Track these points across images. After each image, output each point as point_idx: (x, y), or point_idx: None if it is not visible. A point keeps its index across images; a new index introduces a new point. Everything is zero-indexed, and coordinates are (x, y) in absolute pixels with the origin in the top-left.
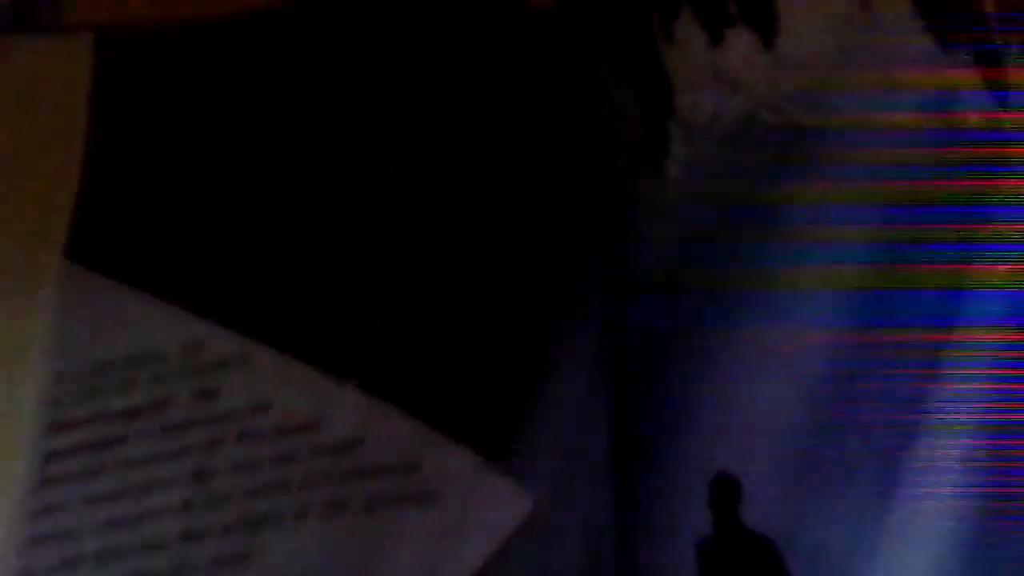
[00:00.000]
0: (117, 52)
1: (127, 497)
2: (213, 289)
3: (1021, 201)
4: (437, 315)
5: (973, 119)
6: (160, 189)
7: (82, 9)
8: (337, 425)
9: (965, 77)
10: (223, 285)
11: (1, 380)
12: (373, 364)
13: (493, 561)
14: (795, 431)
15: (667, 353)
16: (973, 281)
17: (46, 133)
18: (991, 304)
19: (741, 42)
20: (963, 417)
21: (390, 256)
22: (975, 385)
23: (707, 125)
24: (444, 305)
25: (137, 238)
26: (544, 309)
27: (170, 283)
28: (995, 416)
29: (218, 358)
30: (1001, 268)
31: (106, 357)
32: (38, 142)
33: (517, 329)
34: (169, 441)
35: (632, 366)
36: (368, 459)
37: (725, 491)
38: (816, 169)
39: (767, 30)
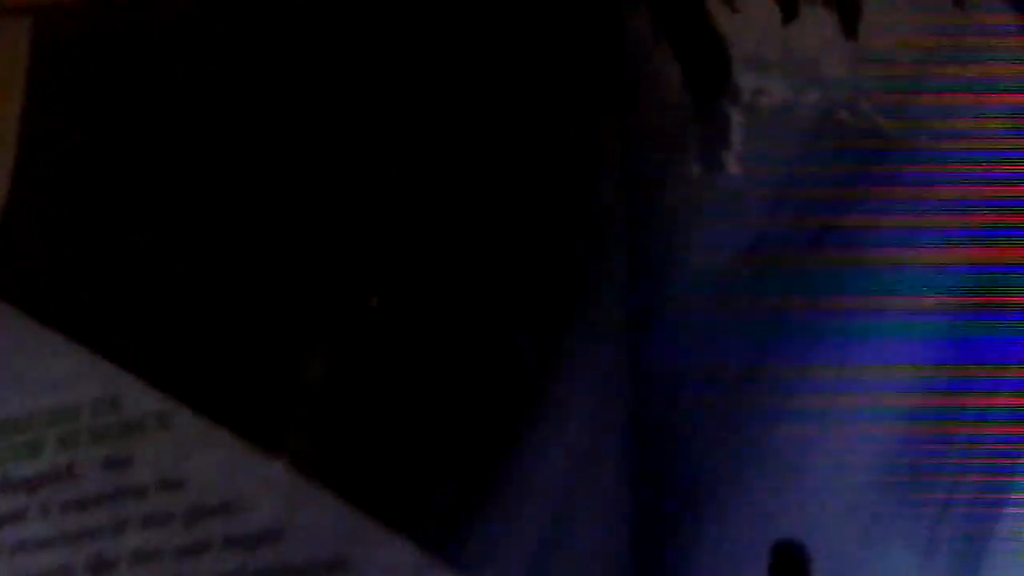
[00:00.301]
0: (56, 36)
1: None
2: (135, 338)
3: None
4: (387, 372)
5: None
6: (87, 211)
7: None
8: (257, 510)
9: None
10: (146, 333)
11: None
12: (306, 435)
13: None
14: (869, 495)
15: (711, 396)
16: None
17: None
18: None
19: (818, 24)
20: None
21: (336, 289)
22: None
23: (776, 116)
24: (397, 358)
25: (57, 269)
26: (532, 358)
27: (89, 326)
28: None
29: (134, 418)
30: None
31: (13, 412)
32: None
33: (489, 388)
34: (71, 520)
35: (655, 416)
36: (287, 555)
37: (790, 563)
38: (901, 189)
39: (850, 12)
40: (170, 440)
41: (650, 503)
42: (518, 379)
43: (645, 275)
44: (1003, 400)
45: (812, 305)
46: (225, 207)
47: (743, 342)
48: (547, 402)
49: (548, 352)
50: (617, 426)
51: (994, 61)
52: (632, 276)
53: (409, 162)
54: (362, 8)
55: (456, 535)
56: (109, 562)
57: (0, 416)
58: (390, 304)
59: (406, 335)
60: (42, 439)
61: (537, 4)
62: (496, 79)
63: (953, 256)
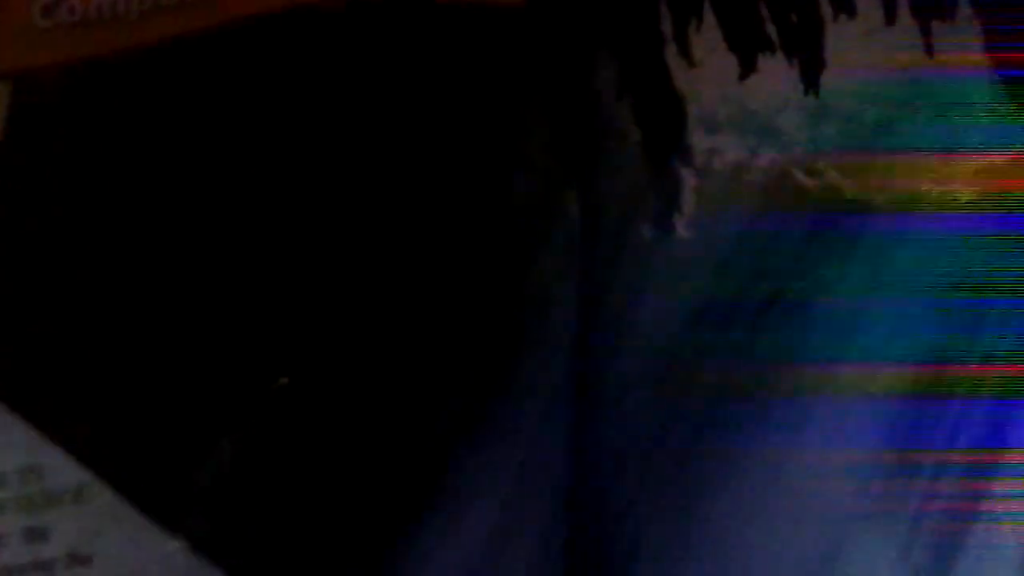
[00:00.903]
0: (33, 99)
1: None
2: (58, 409)
3: None
4: (289, 452)
5: None
6: (31, 287)
7: (3, 55)
8: None
9: None
10: (68, 406)
11: None
12: (204, 516)
13: None
14: (813, 572)
15: (649, 476)
16: None
17: None
18: None
19: (777, 79)
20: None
21: (245, 369)
22: None
23: (728, 177)
24: (303, 438)
25: None
26: (457, 433)
27: (17, 395)
28: None
29: (54, 490)
30: None
31: None
32: None
33: (400, 468)
34: None
35: (589, 490)
36: None
37: None
38: (858, 254)
39: (812, 64)
40: (83, 516)
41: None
42: (432, 456)
43: (592, 342)
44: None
45: (760, 375)
46: (141, 286)
47: (687, 413)
48: (466, 476)
49: (474, 423)
50: (546, 499)
51: (966, 114)
52: (579, 343)
53: (334, 237)
54: (296, 84)
55: None
56: None
57: None
58: (300, 383)
59: (315, 414)
60: None
61: (502, 59)
62: (445, 133)
63: (910, 324)
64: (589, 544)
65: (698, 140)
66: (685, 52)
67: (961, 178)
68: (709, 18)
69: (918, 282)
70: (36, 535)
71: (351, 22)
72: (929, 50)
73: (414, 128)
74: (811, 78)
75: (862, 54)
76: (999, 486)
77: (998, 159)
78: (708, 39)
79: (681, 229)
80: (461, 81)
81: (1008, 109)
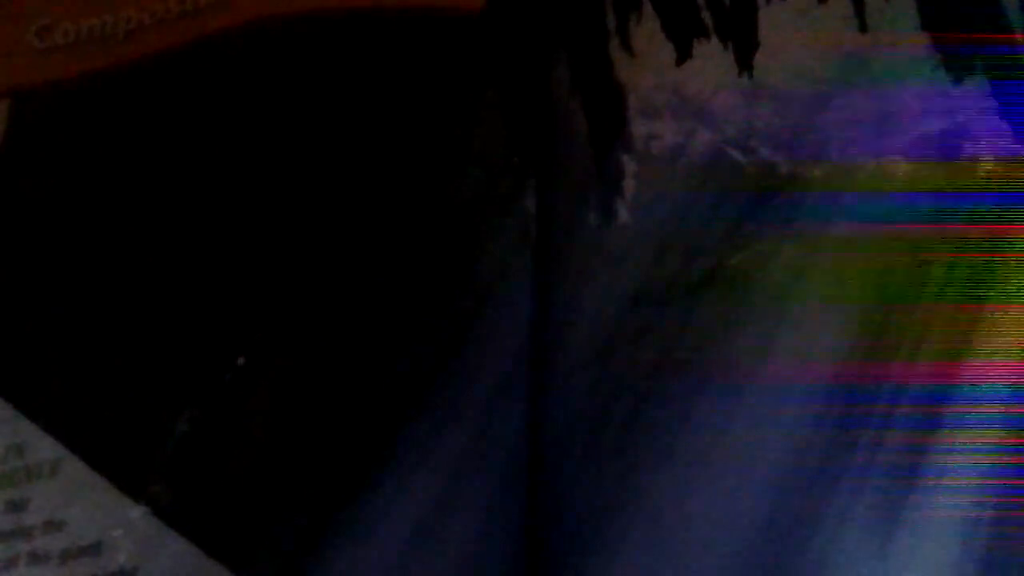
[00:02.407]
0: (32, 115)
1: None
2: (36, 389)
3: None
4: (248, 422)
5: (987, 166)
6: (20, 288)
7: (1, 75)
8: (118, 551)
9: (977, 110)
10: (45, 385)
11: None
12: (166, 483)
13: None
14: (752, 540)
15: (594, 450)
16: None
17: None
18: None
19: (712, 63)
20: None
21: (204, 350)
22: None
23: (666, 160)
24: (255, 414)
25: None
26: (407, 405)
27: (1, 377)
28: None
29: (33, 464)
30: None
31: None
32: None
33: (351, 435)
34: None
35: (547, 466)
36: None
37: None
38: (793, 227)
39: (745, 45)
40: (59, 486)
41: (533, 555)
42: (379, 427)
43: (545, 324)
44: (896, 438)
45: (698, 350)
46: (110, 279)
47: (630, 388)
48: (413, 445)
49: (424, 396)
50: (496, 472)
51: (901, 89)
52: (533, 325)
53: (292, 224)
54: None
55: (296, 574)
56: None
57: None
58: (253, 363)
59: (270, 390)
60: None
61: (458, 62)
62: (402, 129)
63: (848, 293)
64: (540, 517)
65: (637, 127)
66: (626, 44)
67: (896, 153)
68: (648, 10)
69: (853, 256)
70: (17, 506)
71: (311, 34)
72: (863, 27)
73: (372, 125)
74: (745, 60)
75: (796, 33)
76: (939, 445)
77: (934, 133)
78: (647, 30)
79: (623, 214)
80: (418, 83)
81: (944, 82)
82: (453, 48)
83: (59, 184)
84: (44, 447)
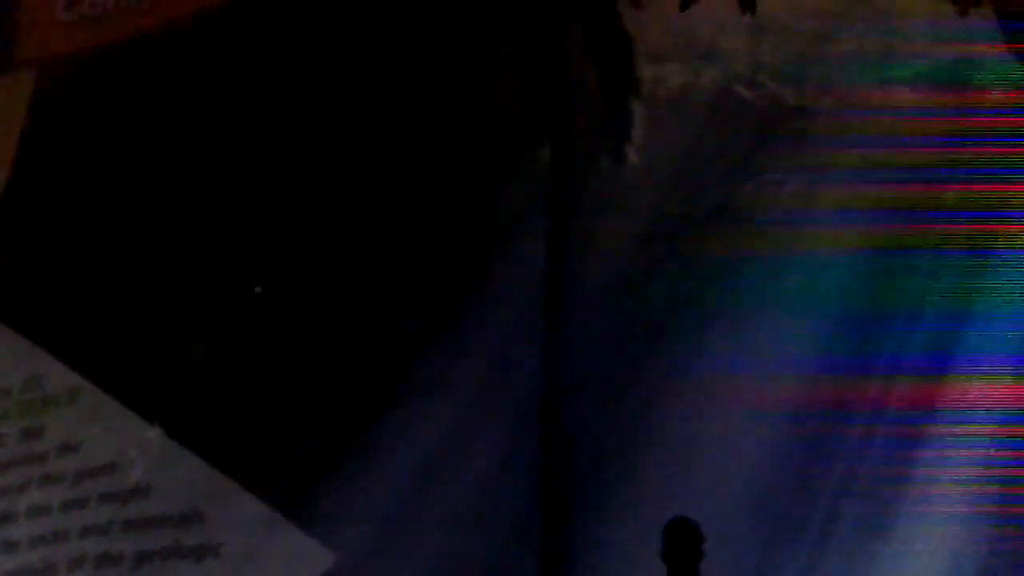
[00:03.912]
0: (55, 84)
1: None
2: (54, 323)
3: None
4: (261, 349)
5: (993, 96)
6: (38, 221)
7: (29, 46)
8: (132, 469)
9: (983, 41)
10: (62, 319)
11: None
12: (181, 405)
13: None
14: (764, 471)
15: (613, 380)
16: (983, 300)
17: None
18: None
19: (716, 4)
20: (955, 472)
21: (224, 278)
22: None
23: (674, 102)
24: (274, 338)
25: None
26: (417, 335)
27: (19, 314)
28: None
29: (51, 394)
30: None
31: None
32: None
33: (363, 367)
34: None
35: (562, 402)
36: (152, 509)
37: (683, 539)
38: (801, 157)
39: None
40: (75, 413)
41: (548, 489)
42: (394, 358)
43: (561, 265)
44: (896, 398)
45: (706, 288)
46: (129, 212)
47: (641, 324)
48: (427, 377)
49: (439, 328)
50: (510, 406)
51: (902, 22)
52: (550, 265)
53: (315, 163)
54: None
55: (309, 494)
56: (10, 516)
57: None
58: (276, 289)
59: (287, 319)
60: None
61: (475, 18)
62: (431, 82)
63: (852, 234)
64: (555, 451)
65: (645, 73)
66: None
67: (903, 84)
68: None
69: (861, 177)
70: (33, 434)
71: None
72: None
73: (391, 78)
74: (748, 0)
75: None
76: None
77: (941, 63)
78: None
79: (633, 157)
80: (435, 37)
81: (950, 13)
82: (467, 5)
83: (83, 143)
84: (62, 376)
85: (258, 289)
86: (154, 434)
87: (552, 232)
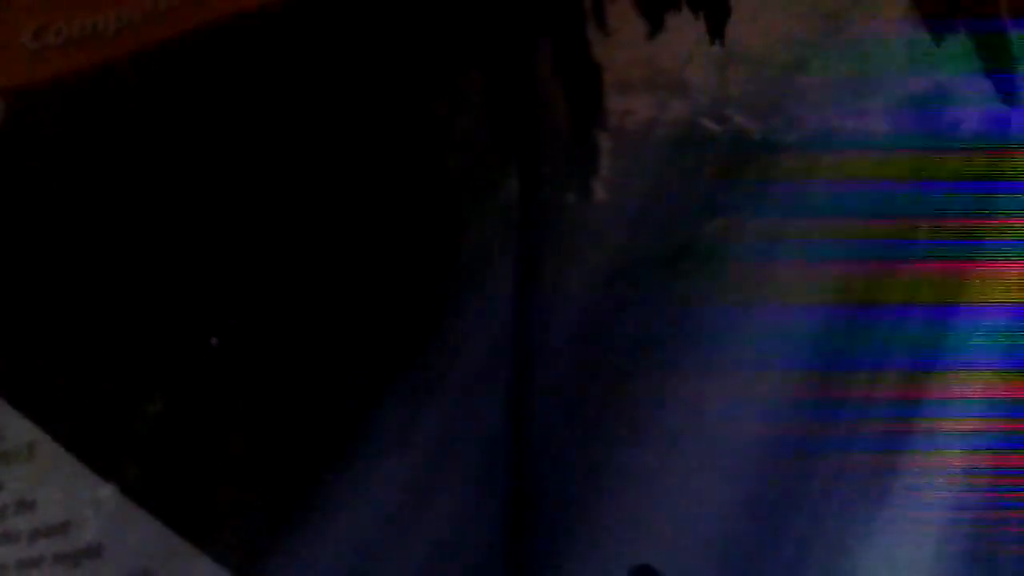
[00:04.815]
0: (26, 113)
1: None
2: (10, 372)
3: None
4: (215, 407)
5: (970, 123)
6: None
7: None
8: (86, 529)
9: (961, 68)
10: (25, 366)
11: None
12: (135, 462)
13: None
14: (730, 520)
15: (574, 429)
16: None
17: None
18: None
19: (684, 33)
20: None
21: (178, 329)
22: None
23: (641, 135)
24: (229, 396)
25: None
26: (379, 385)
27: None
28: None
29: (10, 449)
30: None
31: None
32: None
33: (315, 421)
34: None
35: (528, 447)
36: (104, 570)
37: None
38: (766, 193)
39: (717, 13)
40: (33, 469)
41: (511, 540)
42: (353, 410)
43: (528, 306)
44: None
45: (672, 329)
46: (87, 260)
47: (609, 365)
48: (387, 428)
49: (398, 380)
50: (476, 454)
51: (877, 50)
52: (517, 306)
53: (270, 205)
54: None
55: (263, 554)
56: None
57: None
58: (232, 342)
59: (243, 371)
60: None
61: (439, 44)
62: (380, 113)
63: (822, 275)
64: (521, 497)
65: (613, 103)
66: (601, 23)
67: (876, 116)
68: None
69: (830, 222)
70: None
71: (291, 19)
72: None
73: (353, 110)
74: (716, 27)
75: None
76: (922, 423)
77: (915, 94)
78: (620, 7)
79: (599, 192)
80: (399, 66)
81: (926, 41)
82: (435, 31)
83: (45, 179)
84: (21, 430)
85: (215, 341)
86: (108, 492)
87: (518, 273)
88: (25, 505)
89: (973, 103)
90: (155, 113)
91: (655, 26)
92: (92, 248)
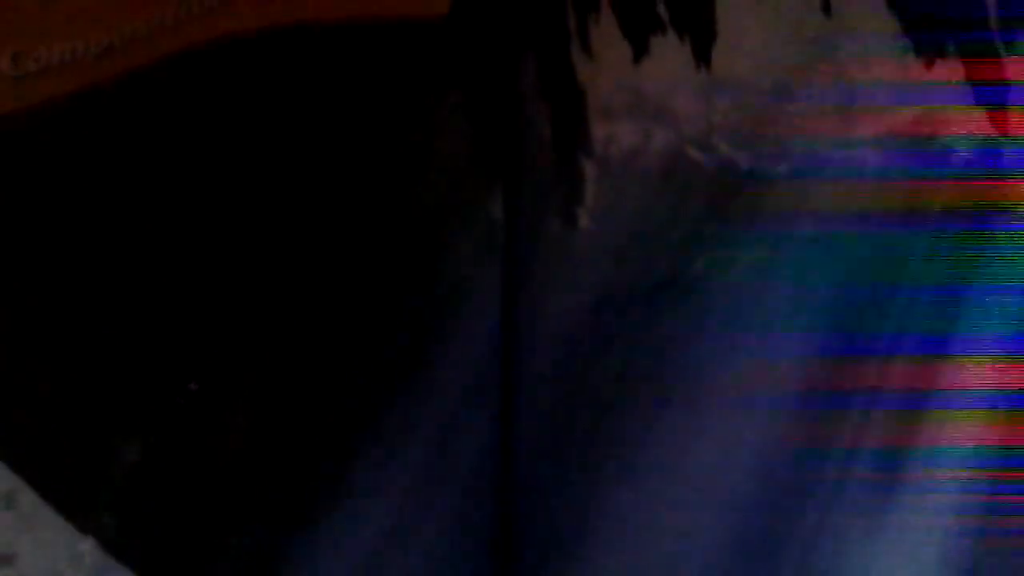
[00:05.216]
0: (6, 140)
1: None
2: None
3: None
4: (195, 455)
5: (961, 156)
6: None
7: None
8: None
9: (948, 76)
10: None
11: None
12: (114, 513)
13: None
14: (720, 557)
15: (560, 464)
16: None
17: None
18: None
19: (669, 58)
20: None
21: (156, 375)
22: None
23: (625, 164)
24: (208, 444)
25: None
26: (358, 426)
27: None
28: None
29: None
30: None
31: None
32: None
33: (307, 465)
34: None
35: (514, 482)
36: None
37: None
38: (755, 228)
39: (703, 37)
40: (12, 519)
41: (493, 570)
42: (337, 447)
43: (511, 339)
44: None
45: (657, 364)
46: (62, 305)
47: (592, 400)
48: (366, 473)
49: (378, 421)
50: (458, 492)
51: (867, 75)
52: (501, 340)
53: (248, 240)
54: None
55: None
56: None
57: None
58: (206, 389)
59: (222, 417)
60: None
61: (423, 69)
62: (359, 139)
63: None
64: (507, 534)
65: (597, 130)
66: (585, 45)
67: (866, 144)
68: (606, 9)
69: (817, 260)
70: None
71: (265, 48)
72: (827, 9)
73: (332, 136)
74: (703, 52)
75: (757, 20)
76: (914, 459)
77: (905, 120)
78: (605, 30)
79: (584, 220)
80: (378, 91)
81: (915, 65)
82: (416, 55)
83: (21, 211)
84: (2, 480)
85: (194, 386)
86: (87, 547)
87: (504, 299)
88: (5, 559)
89: (965, 129)
90: (135, 141)
91: (639, 50)
92: (67, 289)
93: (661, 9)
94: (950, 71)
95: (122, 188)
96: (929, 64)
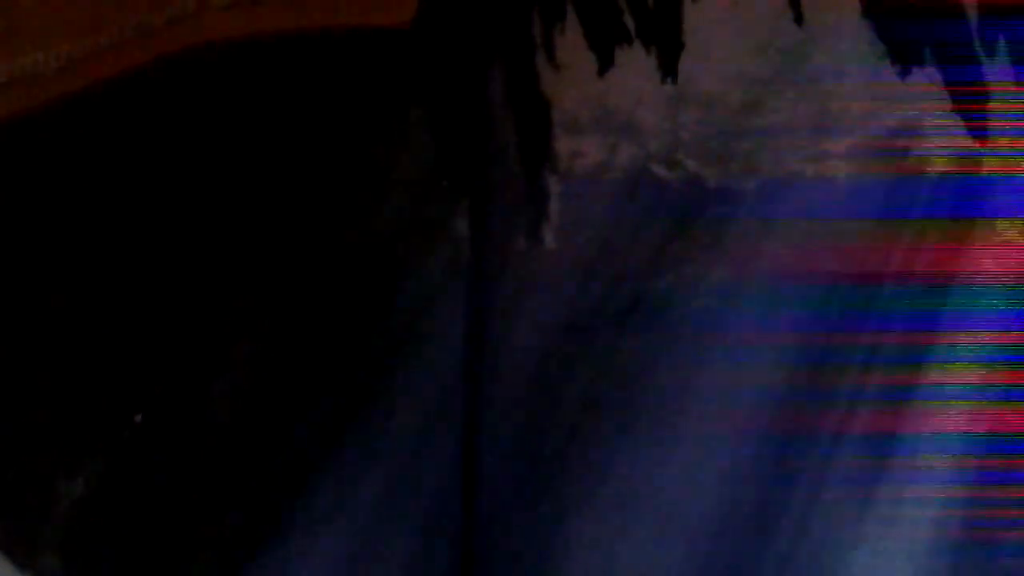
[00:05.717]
0: None
1: None
2: None
3: None
4: (141, 488)
5: (937, 163)
6: None
7: None
8: None
9: (928, 105)
10: None
11: None
12: (56, 551)
13: None
14: None
15: (524, 492)
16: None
17: None
18: None
19: (635, 70)
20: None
21: (100, 407)
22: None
23: (591, 180)
24: (153, 477)
25: None
26: (315, 452)
27: None
28: None
29: None
30: None
31: None
32: None
33: (260, 494)
34: None
35: (477, 510)
36: None
37: None
38: (722, 247)
39: (669, 48)
40: None
41: None
42: (291, 477)
43: (476, 364)
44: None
45: (621, 390)
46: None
47: (558, 426)
48: (326, 498)
49: (332, 450)
50: (419, 520)
51: (838, 86)
52: (464, 365)
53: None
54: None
55: None
56: None
57: None
58: (154, 418)
59: (169, 448)
60: None
61: (383, 80)
62: (317, 155)
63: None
64: (469, 565)
65: (562, 144)
66: (551, 56)
67: (837, 160)
68: (572, 19)
69: (787, 276)
70: None
71: (225, 62)
72: (799, 19)
73: (291, 150)
74: (669, 64)
75: (725, 31)
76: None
77: (879, 133)
78: (570, 41)
79: (549, 239)
80: (337, 105)
81: (890, 74)
82: (379, 65)
83: None
84: None
85: (138, 418)
86: None
87: (468, 320)
88: None
89: (938, 144)
90: (98, 155)
91: (605, 62)
92: (9, 319)
93: (628, 19)
94: (927, 79)
95: (81, 208)
96: (905, 72)
